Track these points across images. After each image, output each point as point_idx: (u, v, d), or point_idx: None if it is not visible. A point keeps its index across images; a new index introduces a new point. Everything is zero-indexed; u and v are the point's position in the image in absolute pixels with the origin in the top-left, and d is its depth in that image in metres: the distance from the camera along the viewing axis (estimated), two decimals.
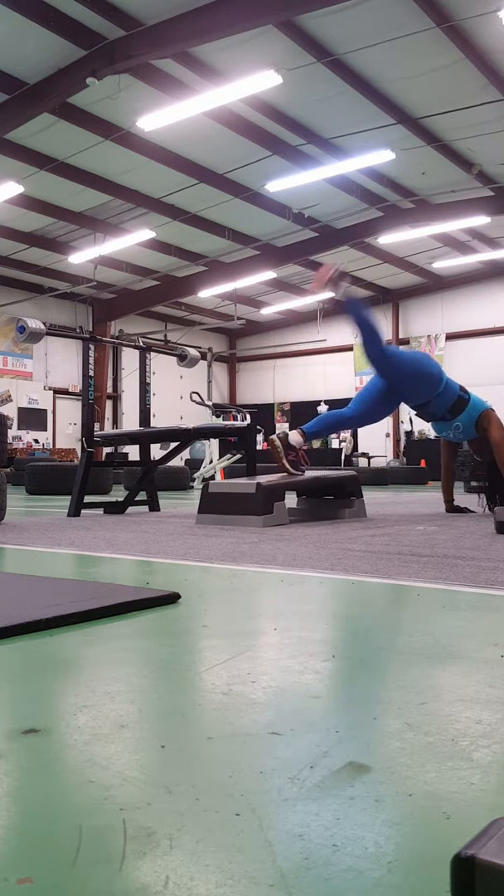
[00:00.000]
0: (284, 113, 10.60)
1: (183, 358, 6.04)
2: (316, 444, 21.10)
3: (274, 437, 4.60)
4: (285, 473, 4.50)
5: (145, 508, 5.56)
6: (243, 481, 4.31)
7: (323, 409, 20.98)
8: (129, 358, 19.49)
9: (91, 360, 5.23)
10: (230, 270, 16.88)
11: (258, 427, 7.86)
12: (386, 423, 20.11)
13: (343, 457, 16.74)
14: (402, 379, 4.77)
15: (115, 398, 20.44)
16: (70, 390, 19.07)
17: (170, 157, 11.75)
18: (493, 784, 0.75)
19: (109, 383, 20.02)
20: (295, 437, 4.55)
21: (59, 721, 0.95)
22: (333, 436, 20.97)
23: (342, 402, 20.26)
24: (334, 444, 20.95)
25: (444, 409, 4.82)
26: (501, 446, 4.71)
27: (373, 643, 1.41)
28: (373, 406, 4.90)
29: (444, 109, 10.40)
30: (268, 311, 20.83)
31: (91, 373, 5.18)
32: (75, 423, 18.78)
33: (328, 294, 4.79)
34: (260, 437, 9.71)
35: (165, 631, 1.52)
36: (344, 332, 21.19)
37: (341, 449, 17.96)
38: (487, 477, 5.04)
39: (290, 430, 4.73)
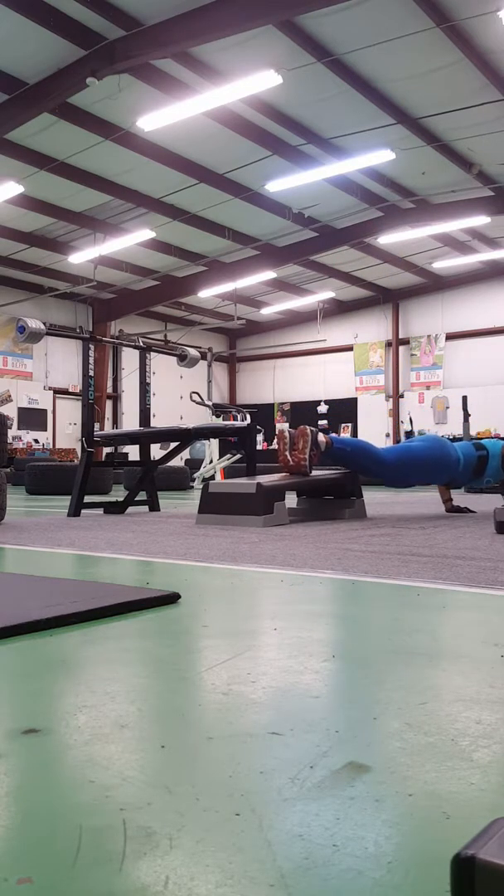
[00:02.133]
0: (284, 113, 10.60)
1: (183, 358, 6.04)
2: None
3: (308, 428, 4.53)
4: (287, 473, 4.47)
5: (145, 508, 5.56)
6: (243, 481, 4.31)
7: (323, 409, 21.02)
8: (129, 358, 19.48)
9: (91, 360, 5.23)
10: (230, 270, 16.87)
11: (258, 427, 7.85)
12: (386, 423, 20.12)
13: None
14: (420, 471, 4.80)
15: (115, 398, 20.43)
16: (70, 390, 19.07)
17: (170, 157, 11.74)
18: (493, 784, 0.75)
19: (109, 383, 20.02)
20: (322, 438, 4.54)
21: (59, 721, 0.95)
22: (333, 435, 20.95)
23: (342, 402, 20.20)
24: None
25: (469, 476, 4.89)
26: None
27: (373, 643, 1.41)
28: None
29: (444, 109, 10.40)
30: (268, 311, 20.82)
31: (91, 373, 5.19)
32: (75, 423, 18.78)
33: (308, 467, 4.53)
34: (260, 437, 9.69)
35: (165, 631, 1.52)
36: (344, 332, 21.20)
37: None
38: None
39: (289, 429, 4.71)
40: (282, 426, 4.92)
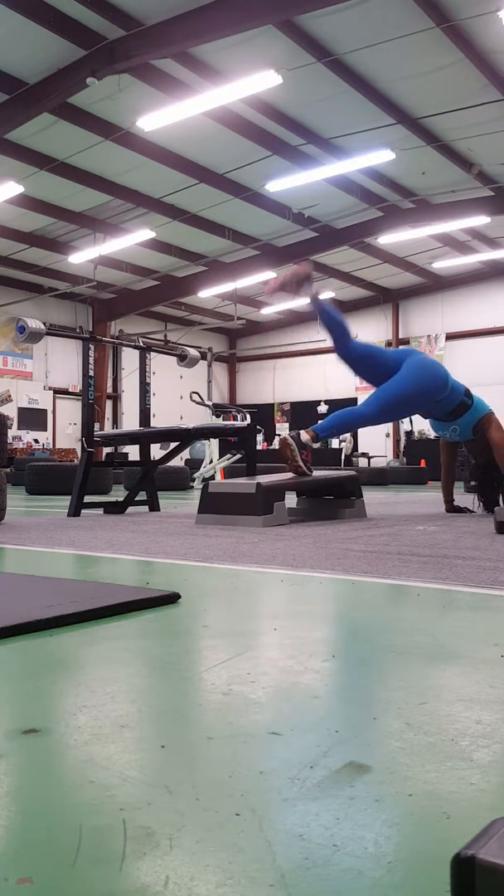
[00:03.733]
0: (284, 113, 10.60)
1: (183, 358, 6.04)
2: (316, 443, 21.09)
3: (287, 436, 4.45)
4: (293, 475, 4.47)
5: (145, 508, 5.56)
6: (243, 481, 4.31)
7: (323, 409, 21.00)
8: (129, 358, 19.49)
9: (91, 360, 5.23)
10: (230, 270, 16.88)
11: (258, 427, 7.85)
12: (386, 423, 20.11)
13: (343, 457, 16.73)
14: (409, 408, 4.73)
15: (115, 398, 20.44)
16: (70, 390, 19.07)
17: (170, 157, 11.75)
18: (493, 784, 0.75)
19: (109, 383, 20.02)
20: (305, 436, 4.49)
21: (59, 721, 0.95)
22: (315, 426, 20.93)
23: (342, 402, 20.32)
24: (334, 444, 20.95)
25: (445, 413, 4.82)
26: (501, 447, 4.71)
27: (373, 643, 1.41)
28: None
29: (444, 109, 10.40)
30: (268, 311, 20.83)
31: (91, 373, 5.18)
32: (75, 423, 18.78)
33: (289, 298, 4.51)
34: (260, 437, 9.69)
35: (165, 631, 1.52)
36: None
37: (341, 449, 17.93)
38: (479, 479, 5.03)
39: (290, 430, 4.69)
40: (283, 432, 4.92)
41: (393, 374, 4.58)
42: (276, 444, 4.55)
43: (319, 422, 4.70)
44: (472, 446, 4.98)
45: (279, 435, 4.65)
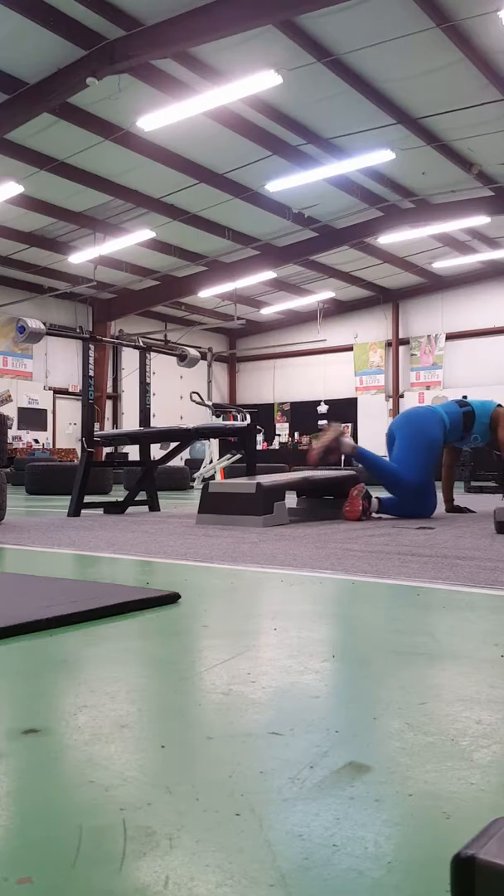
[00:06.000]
0: (284, 113, 10.60)
1: (183, 358, 6.04)
2: (316, 443, 21.10)
3: (339, 429, 4.63)
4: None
5: (145, 508, 5.56)
6: (243, 481, 4.30)
7: (323, 409, 21.01)
8: (129, 358, 19.48)
9: (91, 360, 5.23)
10: (230, 270, 16.87)
11: (258, 427, 7.85)
12: (386, 423, 20.06)
13: (343, 457, 16.77)
14: (419, 457, 4.77)
15: (115, 398, 20.43)
16: (70, 390, 19.06)
17: (170, 157, 11.74)
18: (493, 784, 0.75)
19: (109, 383, 20.01)
20: (349, 444, 4.62)
21: (59, 721, 0.95)
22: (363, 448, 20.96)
23: (342, 402, 20.15)
24: None
25: (458, 434, 4.89)
26: None
27: (373, 643, 1.41)
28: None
29: (444, 109, 10.40)
30: (268, 311, 20.82)
31: (91, 373, 5.18)
32: (75, 423, 18.78)
33: (330, 459, 4.71)
34: (260, 437, 9.70)
35: (165, 631, 1.52)
36: (344, 332, 21.20)
37: None
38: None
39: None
40: (338, 424, 5.11)
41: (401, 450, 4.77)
42: (324, 424, 4.74)
43: (364, 448, 4.88)
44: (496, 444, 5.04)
45: (329, 424, 4.83)
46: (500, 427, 4.83)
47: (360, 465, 5.06)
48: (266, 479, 4.27)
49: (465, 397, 5.10)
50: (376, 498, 4.60)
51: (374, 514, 4.56)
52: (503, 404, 5.02)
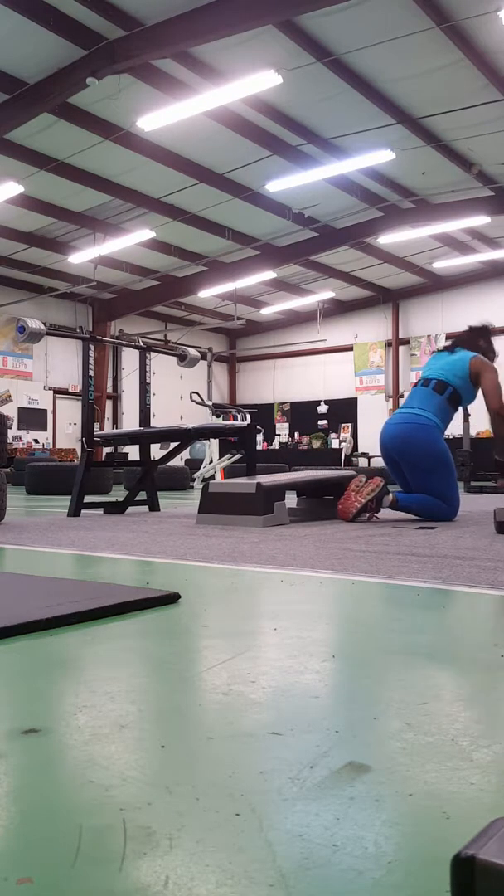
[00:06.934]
0: (284, 113, 10.60)
1: (183, 358, 6.04)
2: (316, 443, 21.12)
3: (380, 481, 4.30)
4: (339, 509, 4.36)
5: (145, 508, 5.56)
6: (243, 481, 4.30)
7: (323, 409, 21.01)
8: (129, 358, 19.48)
9: (91, 360, 5.23)
10: (230, 270, 16.87)
11: (258, 427, 7.85)
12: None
13: (343, 457, 16.73)
14: (443, 477, 4.49)
15: (115, 398, 20.43)
16: (70, 390, 19.06)
17: (170, 157, 11.74)
18: (493, 784, 0.75)
19: (109, 383, 20.01)
20: (388, 501, 4.33)
21: (59, 721, 0.95)
22: (333, 435, 21.00)
23: (342, 402, 20.16)
24: (334, 443, 20.95)
25: (451, 417, 4.70)
26: (494, 393, 4.44)
27: (373, 643, 1.41)
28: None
29: (444, 109, 10.40)
30: (268, 311, 20.82)
31: (91, 373, 5.18)
32: (75, 423, 18.77)
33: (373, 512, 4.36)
34: (260, 437, 9.69)
35: (165, 631, 1.52)
36: (344, 332, 21.20)
37: (341, 449, 17.97)
38: None
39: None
40: (380, 480, 4.69)
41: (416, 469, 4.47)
42: (363, 480, 4.39)
43: (403, 494, 4.52)
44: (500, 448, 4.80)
45: (371, 478, 4.53)
46: (482, 377, 4.49)
47: (361, 465, 4.98)
48: (266, 479, 4.28)
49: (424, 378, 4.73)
50: (393, 494, 4.41)
51: (378, 515, 4.43)
52: (476, 354, 4.67)
